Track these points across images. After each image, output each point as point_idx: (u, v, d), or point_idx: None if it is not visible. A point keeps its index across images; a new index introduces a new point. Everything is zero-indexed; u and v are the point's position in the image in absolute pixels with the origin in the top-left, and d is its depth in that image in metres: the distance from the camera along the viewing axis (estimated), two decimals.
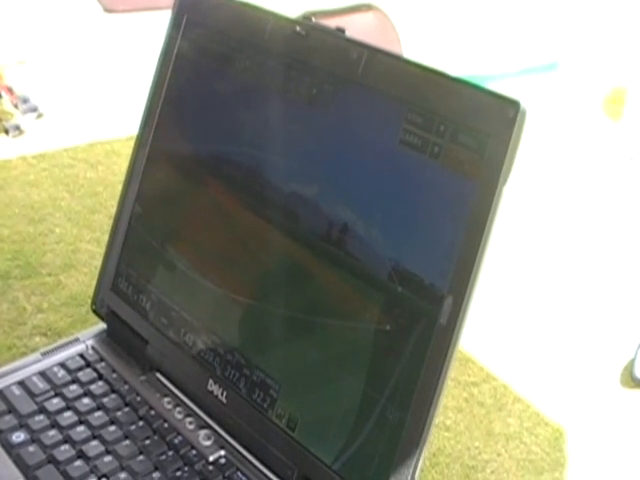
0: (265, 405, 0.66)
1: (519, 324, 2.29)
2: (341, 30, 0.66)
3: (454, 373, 1.98)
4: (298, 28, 0.68)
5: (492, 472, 1.72)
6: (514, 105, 0.55)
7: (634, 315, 2.30)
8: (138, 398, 0.72)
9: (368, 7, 3.33)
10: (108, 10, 3.96)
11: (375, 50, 0.63)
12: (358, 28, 3.28)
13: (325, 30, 0.67)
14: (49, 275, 2.03)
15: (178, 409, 0.72)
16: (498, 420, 1.87)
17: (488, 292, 2.33)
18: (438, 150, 0.58)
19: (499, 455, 1.80)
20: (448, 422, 1.85)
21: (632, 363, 2.11)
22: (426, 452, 1.50)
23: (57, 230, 2.24)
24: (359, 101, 0.64)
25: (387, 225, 0.61)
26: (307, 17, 0.69)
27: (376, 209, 0.62)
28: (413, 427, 0.58)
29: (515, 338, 2.20)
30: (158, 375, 0.76)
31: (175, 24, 0.78)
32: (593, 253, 2.71)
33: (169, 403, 0.72)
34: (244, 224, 0.71)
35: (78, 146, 2.68)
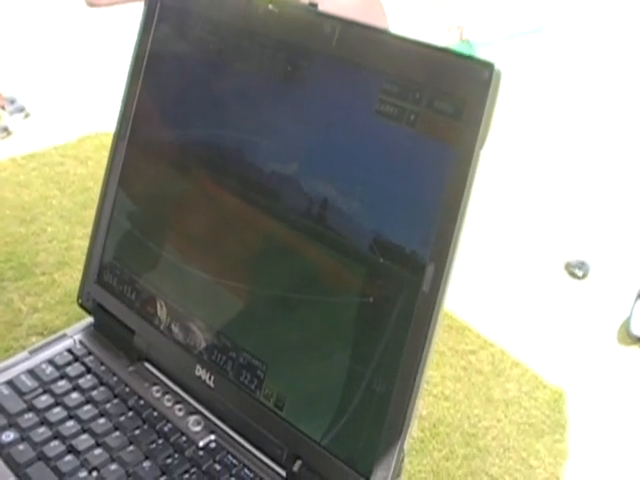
0: (253, 386, 0.66)
1: (514, 290, 2.30)
2: (314, 5, 0.66)
3: (451, 342, 2.00)
4: (271, 6, 0.67)
5: (493, 438, 1.73)
6: (488, 67, 0.54)
7: (628, 274, 2.31)
8: (127, 389, 0.72)
9: None
10: (91, 4, 3.93)
11: (348, 22, 0.62)
12: (343, 4, 3.27)
13: (298, 6, 0.66)
14: (43, 274, 2.03)
15: (167, 397, 0.72)
16: (497, 386, 1.88)
17: (481, 259, 2.34)
18: (414, 118, 0.58)
19: (499, 421, 1.81)
20: (447, 392, 1.86)
21: (628, 320, 2.12)
22: (426, 423, 1.53)
23: (49, 229, 2.24)
24: (334, 75, 0.63)
25: (367, 197, 0.61)
26: None
27: (355, 182, 0.61)
28: (400, 397, 0.57)
29: (510, 304, 2.21)
30: (146, 365, 0.75)
31: (149, 11, 0.77)
32: (581, 213, 2.72)
33: (158, 392, 0.72)
34: (225, 207, 0.70)
35: (67, 143, 2.68)
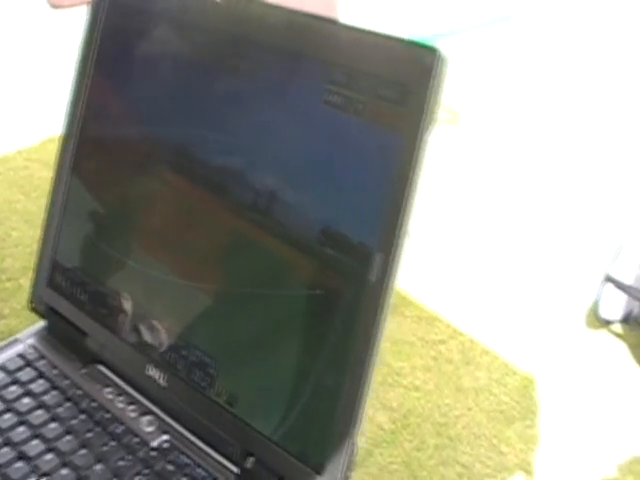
0: (204, 384, 0.65)
1: (481, 277, 2.31)
2: None
3: (421, 333, 2.00)
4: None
5: (463, 427, 1.74)
6: (432, 53, 0.54)
7: (593, 258, 2.32)
8: (79, 392, 0.71)
9: None
10: (55, 6, 3.89)
11: (294, 13, 0.62)
12: (307, 3, 3.26)
13: None
14: (9, 280, 2.01)
15: (120, 398, 0.71)
16: (467, 375, 1.89)
17: (448, 248, 2.35)
18: (361, 107, 0.58)
19: (469, 409, 1.81)
20: (417, 382, 1.87)
21: (596, 304, 2.13)
22: (396, 414, 1.52)
23: (14, 234, 2.21)
24: (282, 66, 0.63)
25: (315, 188, 0.61)
26: None
27: (303, 173, 0.61)
28: (351, 390, 0.57)
29: (479, 291, 2.22)
30: (100, 367, 0.74)
31: (96, 7, 0.76)
32: (550, 198, 2.73)
33: (111, 393, 0.71)
34: (174, 203, 0.70)
35: (32, 146, 2.65)
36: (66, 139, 0.79)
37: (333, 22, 0.61)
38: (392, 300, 0.57)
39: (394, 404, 1.71)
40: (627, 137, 3.12)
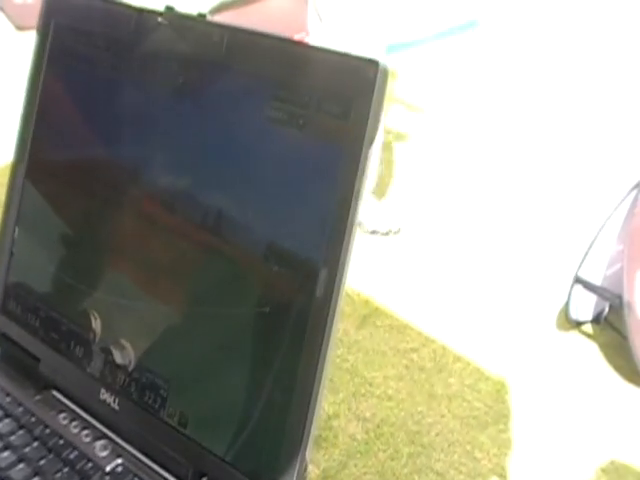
0: (156, 406, 0.65)
1: (452, 283, 2.31)
2: (202, 15, 0.66)
3: (392, 342, 2.00)
4: (160, 19, 0.67)
5: (437, 434, 1.74)
6: (373, 65, 0.54)
7: (562, 259, 2.33)
8: (33, 419, 0.70)
9: None
10: (20, 28, 3.87)
11: (236, 30, 0.62)
12: (275, 12, 3.27)
13: (187, 17, 0.66)
14: None
15: (74, 423, 0.70)
16: (439, 382, 1.89)
17: (417, 255, 2.35)
18: (304, 121, 0.58)
19: (443, 416, 1.81)
20: (390, 391, 1.86)
21: (567, 305, 2.14)
22: (370, 424, 1.52)
23: None
24: (226, 83, 0.63)
25: (260, 205, 0.60)
26: (170, 8, 0.68)
27: (249, 190, 0.61)
28: (299, 407, 0.57)
29: (449, 298, 2.22)
30: (54, 393, 0.74)
31: (43, 31, 0.76)
32: (518, 201, 2.74)
33: (65, 419, 0.71)
34: (123, 224, 0.69)
35: None
36: (16, 163, 0.78)
37: (274, 38, 0.61)
38: (338, 315, 0.57)
39: (367, 414, 1.71)
40: (595, 139, 3.15)
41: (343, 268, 0.56)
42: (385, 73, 0.54)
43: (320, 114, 0.57)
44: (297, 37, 3.23)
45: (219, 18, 2.82)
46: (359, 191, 0.55)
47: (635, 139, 3.08)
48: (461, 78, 3.68)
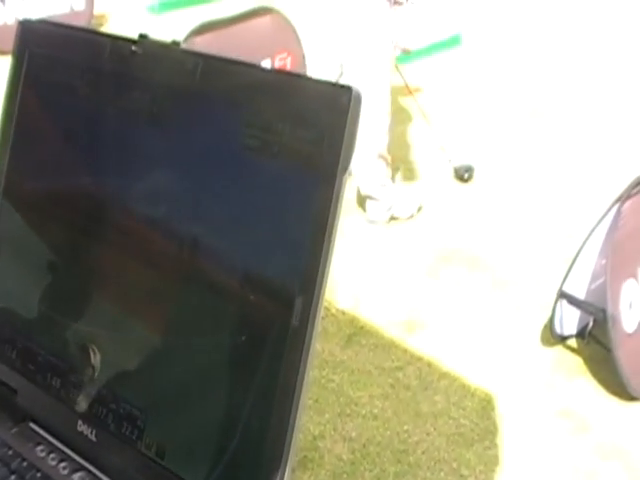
0: (134, 437, 0.64)
1: (435, 298, 2.31)
2: (176, 43, 0.65)
3: (377, 361, 2.00)
4: (134, 47, 0.66)
5: (423, 452, 1.74)
6: (346, 92, 0.54)
7: (547, 275, 2.34)
8: (10, 452, 0.70)
9: (265, 11, 3.32)
10: (1, 52, 3.86)
11: (209, 58, 0.62)
12: (257, 33, 3.27)
13: (161, 45, 0.65)
14: None
15: (52, 455, 0.70)
16: (425, 400, 1.89)
17: (400, 269, 2.36)
18: (278, 149, 0.57)
19: (428, 434, 1.81)
20: (375, 411, 1.86)
21: (552, 320, 2.14)
22: (355, 444, 1.51)
23: None
24: (201, 111, 0.63)
25: (236, 234, 0.60)
26: (143, 36, 0.67)
27: (225, 219, 0.61)
28: (277, 433, 0.56)
29: (434, 313, 2.22)
30: (31, 425, 0.73)
31: (18, 57, 0.76)
32: (504, 215, 2.75)
33: (42, 451, 0.70)
34: (99, 252, 0.69)
35: None
36: None
37: (247, 65, 0.61)
38: (315, 342, 0.57)
39: (353, 434, 1.71)
40: (577, 155, 3.16)
41: (319, 296, 0.55)
42: (358, 100, 0.54)
43: (294, 142, 0.56)
44: (279, 57, 3.24)
45: (200, 40, 2.82)
46: (334, 218, 0.55)
47: (616, 155, 3.11)
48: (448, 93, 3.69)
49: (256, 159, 0.59)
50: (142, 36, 0.67)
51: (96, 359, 0.69)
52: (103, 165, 0.69)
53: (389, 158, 2.60)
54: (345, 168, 0.54)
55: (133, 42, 0.66)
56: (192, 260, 0.62)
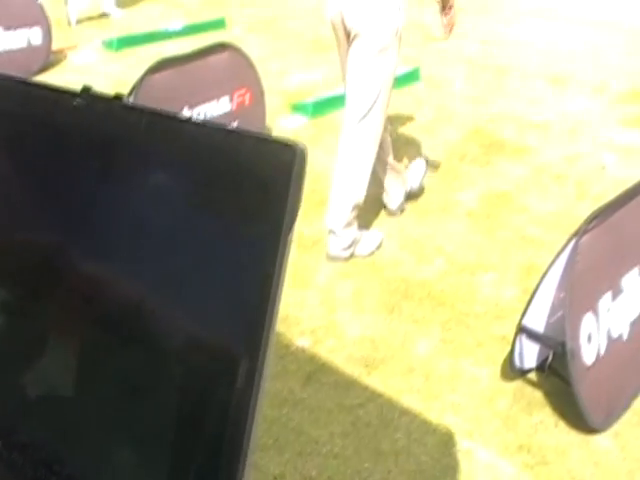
0: None
1: (395, 334, 2.31)
2: (119, 97, 0.64)
3: (338, 398, 1.98)
4: (76, 102, 0.65)
5: None
6: (291, 149, 0.53)
7: (509, 310, 2.35)
8: None
9: (223, 47, 3.33)
10: None
11: (154, 114, 0.61)
12: (215, 70, 3.28)
13: (103, 99, 0.64)
14: None
15: None
16: (386, 437, 1.87)
17: (357, 301, 2.35)
18: (221, 207, 0.56)
19: (389, 472, 1.79)
20: (336, 449, 1.84)
21: (511, 354, 2.15)
22: None
23: None
24: (144, 168, 0.62)
25: (179, 293, 0.59)
26: (86, 89, 0.66)
27: (168, 278, 0.59)
28: None
29: (394, 349, 2.21)
30: None
31: None
32: (461, 249, 2.77)
33: None
34: (40, 313, 0.67)
35: None
36: None
37: (192, 122, 0.60)
38: (261, 403, 0.55)
39: (313, 473, 1.69)
40: (534, 187, 3.20)
41: (264, 357, 0.54)
42: (303, 156, 0.53)
43: (238, 200, 0.55)
44: (238, 94, 3.25)
45: (158, 77, 2.82)
46: (279, 278, 0.53)
47: (571, 190, 3.15)
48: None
49: (200, 216, 0.58)
50: (85, 89, 0.65)
51: (36, 429, 0.67)
52: (46, 221, 0.68)
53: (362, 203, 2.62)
54: (290, 228, 0.53)
55: (76, 95, 0.65)
56: (135, 320, 0.60)
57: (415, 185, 3.03)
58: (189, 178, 0.58)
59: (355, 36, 2.47)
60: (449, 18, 2.63)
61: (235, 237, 0.56)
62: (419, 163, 3.10)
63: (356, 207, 2.58)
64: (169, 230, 0.59)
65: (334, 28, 2.55)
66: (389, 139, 2.78)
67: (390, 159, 2.82)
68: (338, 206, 2.57)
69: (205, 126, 0.59)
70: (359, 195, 2.57)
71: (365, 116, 2.52)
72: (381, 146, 2.63)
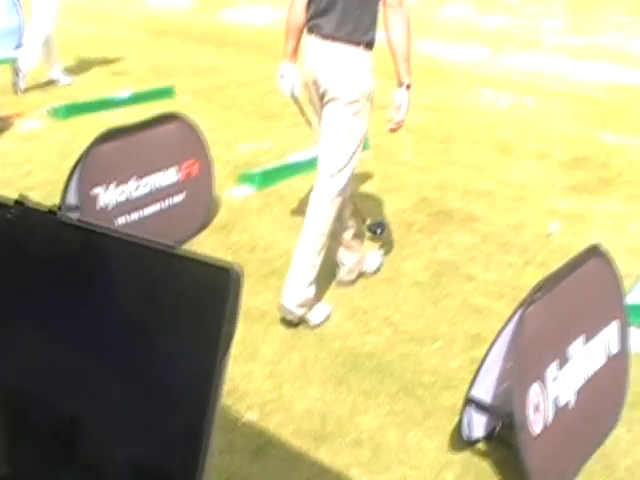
0: None
1: (343, 408, 2.29)
2: (53, 211, 0.62)
3: (286, 474, 1.93)
4: (9, 215, 0.63)
5: None
6: (225, 272, 0.53)
7: (457, 380, 2.35)
8: None
9: (172, 117, 3.30)
10: None
11: (89, 231, 0.60)
12: (163, 140, 3.24)
13: (37, 213, 0.63)
14: None
15: None
16: None
17: (304, 374, 2.33)
18: (158, 328, 0.56)
19: None
20: None
21: (459, 424, 2.14)
22: None
23: None
24: (80, 285, 0.61)
25: (116, 413, 0.58)
26: (20, 202, 0.64)
27: (103, 399, 0.59)
28: None
29: (342, 423, 2.19)
30: None
31: None
32: (409, 320, 2.77)
33: None
34: None
35: None
36: None
37: (128, 240, 0.59)
38: None
39: None
40: (483, 254, 3.23)
41: None
42: (238, 279, 0.53)
43: (175, 319, 0.56)
44: (186, 164, 3.23)
45: (106, 148, 2.81)
46: (216, 399, 0.53)
47: (516, 258, 3.20)
48: None
49: (137, 337, 0.58)
50: (18, 202, 0.64)
51: None
52: None
53: None
54: (227, 348, 0.53)
55: (9, 208, 0.64)
56: (72, 440, 0.59)
57: (371, 270, 3.04)
58: (125, 297, 0.57)
59: (329, 99, 2.55)
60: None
61: (171, 356, 0.56)
62: (376, 255, 3.10)
63: (314, 281, 2.60)
64: (104, 348, 0.59)
65: (308, 88, 2.64)
66: (348, 212, 2.81)
67: (347, 235, 2.84)
68: (300, 277, 2.59)
69: (142, 246, 0.58)
70: (318, 260, 2.61)
71: (339, 171, 2.58)
72: (339, 219, 2.66)
